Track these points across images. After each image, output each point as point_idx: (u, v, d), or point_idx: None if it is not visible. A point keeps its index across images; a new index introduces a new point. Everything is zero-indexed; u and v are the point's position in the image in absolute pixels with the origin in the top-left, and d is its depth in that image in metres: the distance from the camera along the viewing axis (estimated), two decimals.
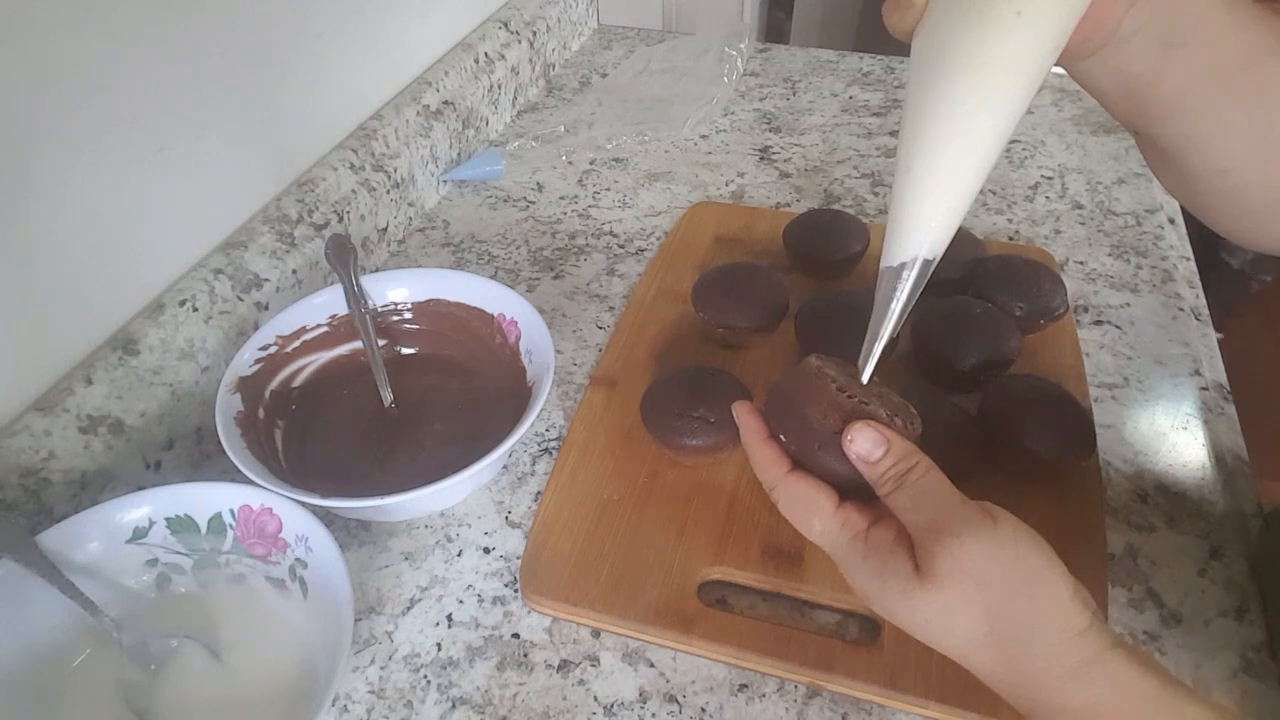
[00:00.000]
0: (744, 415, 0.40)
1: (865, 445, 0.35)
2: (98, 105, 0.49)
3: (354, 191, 0.70)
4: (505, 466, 0.58)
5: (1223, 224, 0.41)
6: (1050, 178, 0.83)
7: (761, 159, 0.88)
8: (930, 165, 0.33)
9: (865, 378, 0.38)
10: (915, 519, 0.34)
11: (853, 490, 0.37)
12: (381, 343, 0.60)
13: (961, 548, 0.32)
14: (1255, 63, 0.35)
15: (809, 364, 0.39)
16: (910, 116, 0.34)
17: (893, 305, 0.36)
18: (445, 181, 0.84)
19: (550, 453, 0.58)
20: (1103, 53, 0.35)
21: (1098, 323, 0.67)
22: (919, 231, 0.35)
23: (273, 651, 0.46)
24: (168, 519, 0.47)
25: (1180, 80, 0.35)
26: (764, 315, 0.62)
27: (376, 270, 0.73)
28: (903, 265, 0.35)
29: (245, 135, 0.61)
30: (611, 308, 0.70)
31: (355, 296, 0.58)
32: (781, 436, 0.38)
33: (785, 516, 0.38)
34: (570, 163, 0.88)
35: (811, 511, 0.37)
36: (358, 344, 0.60)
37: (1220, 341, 0.66)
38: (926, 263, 0.35)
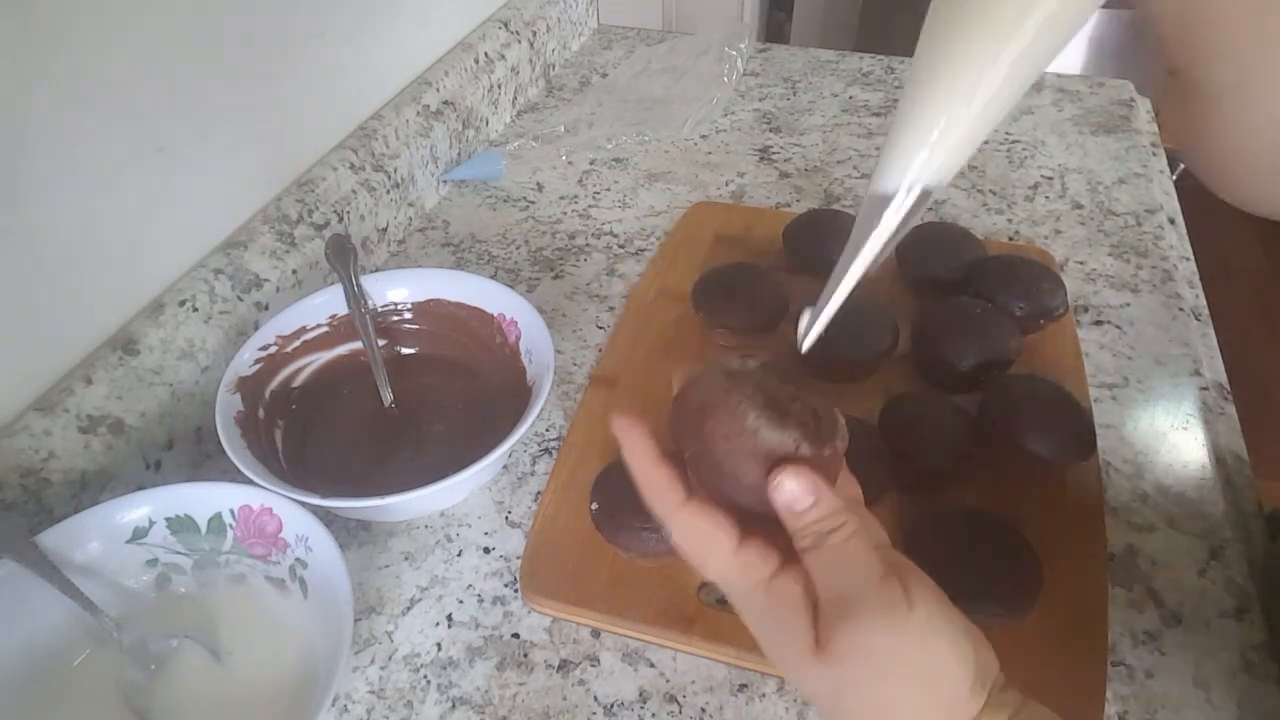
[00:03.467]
0: (628, 434, 0.34)
1: (791, 493, 0.31)
2: (98, 105, 0.49)
3: (354, 191, 0.70)
4: (505, 466, 0.58)
5: (1229, 185, 0.39)
6: (1050, 178, 0.83)
7: (761, 159, 0.88)
8: (962, 64, 0.27)
9: (821, 325, 0.33)
10: (827, 585, 0.31)
11: (758, 520, 0.33)
12: (381, 343, 0.60)
13: (867, 633, 0.29)
14: None
15: (716, 380, 0.33)
16: (943, 4, 0.28)
17: (872, 241, 0.30)
18: (445, 181, 0.84)
19: (550, 453, 0.58)
20: None
21: (1098, 323, 0.67)
22: (929, 149, 0.29)
23: (273, 651, 0.46)
24: (168, 519, 0.47)
25: (1251, 15, 0.31)
26: (764, 315, 0.62)
27: (376, 270, 0.73)
28: (898, 191, 0.30)
29: (245, 135, 0.61)
30: (611, 308, 0.70)
31: (355, 296, 0.58)
32: (686, 455, 0.34)
33: (680, 552, 0.34)
34: (570, 163, 0.88)
35: (707, 553, 0.33)
36: (358, 344, 0.60)
37: (1220, 341, 0.66)
38: (926, 193, 0.30)
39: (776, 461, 0.31)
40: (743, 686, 0.46)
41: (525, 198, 0.83)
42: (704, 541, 0.33)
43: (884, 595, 0.30)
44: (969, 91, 0.28)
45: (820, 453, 0.32)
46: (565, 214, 0.81)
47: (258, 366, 0.55)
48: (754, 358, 0.35)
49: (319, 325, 0.59)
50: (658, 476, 0.34)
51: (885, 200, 0.30)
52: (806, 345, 0.33)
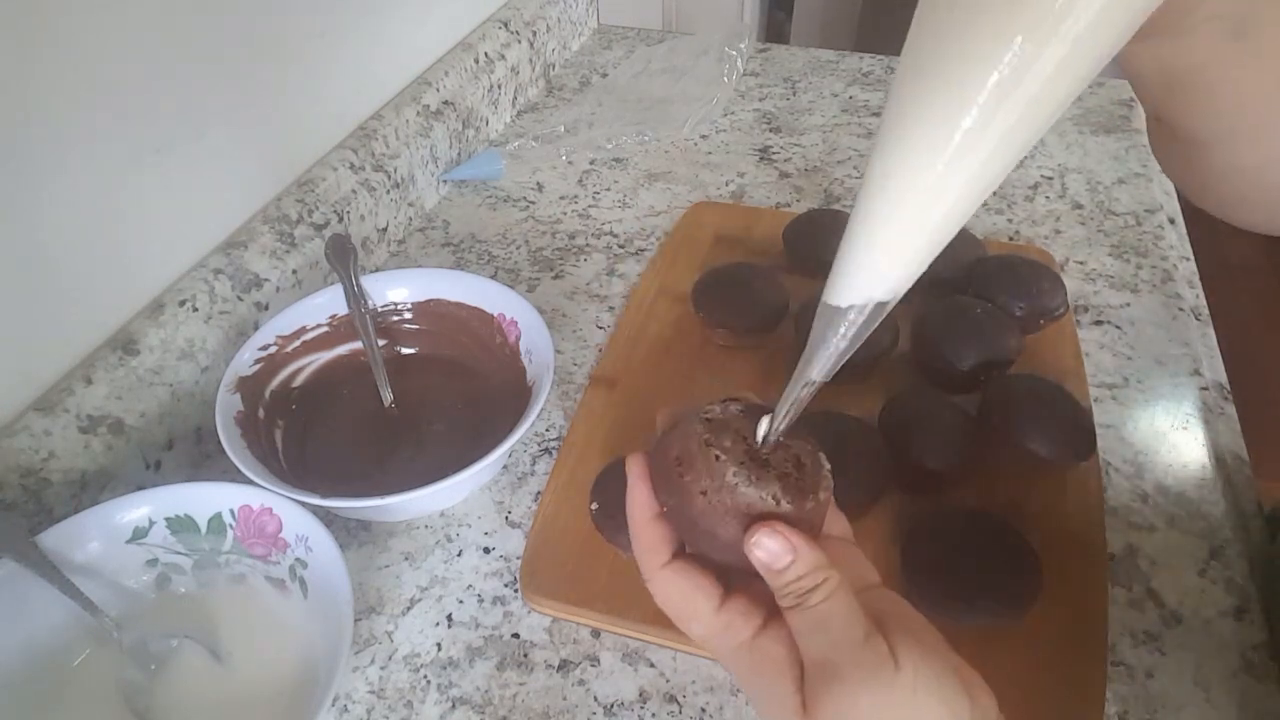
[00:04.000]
0: (633, 485, 0.34)
1: (769, 552, 0.30)
2: (98, 105, 0.49)
3: (354, 191, 0.70)
4: (505, 466, 0.58)
5: (1226, 213, 0.39)
6: (1050, 178, 0.83)
7: (761, 159, 0.88)
8: (921, 176, 0.25)
9: (779, 428, 0.32)
10: (809, 648, 0.30)
11: (740, 574, 0.32)
12: (381, 343, 0.60)
13: (852, 698, 0.29)
14: None
15: (695, 429, 0.32)
16: (900, 107, 0.25)
17: (827, 351, 0.30)
18: (445, 181, 0.84)
19: (550, 453, 0.58)
20: (1155, 39, 0.29)
21: (1098, 323, 0.67)
22: (883, 270, 0.28)
23: (273, 651, 0.46)
24: (168, 519, 0.47)
25: (1238, 74, 0.30)
26: (764, 315, 0.62)
27: (376, 270, 0.73)
28: (851, 307, 0.29)
29: (245, 135, 0.61)
30: (611, 308, 0.70)
31: (355, 296, 0.58)
32: (664, 509, 0.33)
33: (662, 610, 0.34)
34: (570, 163, 0.88)
35: (688, 616, 0.33)
36: (358, 344, 0.60)
37: (1220, 341, 0.66)
38: (882, 305, 0.29)
39: (755, 518, 0.31)
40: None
41: (525, 198, 0.83)
42: (684, 604, 0.33)
43: (868, 657, 0.29)
44: (923, 210, 0.26)
45: (802, 506, 0.31)
46: (565, 214, 0.81)
47: (258, 366, 0.55)
48: (738, 402, 0.34)
49: (319, 325, 0.59)
50: (647, 535, 0.33)
51: (840, 313, 0.29)
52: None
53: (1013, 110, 0.23)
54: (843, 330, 0.29)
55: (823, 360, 0.30)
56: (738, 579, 0.33)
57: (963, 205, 0.26)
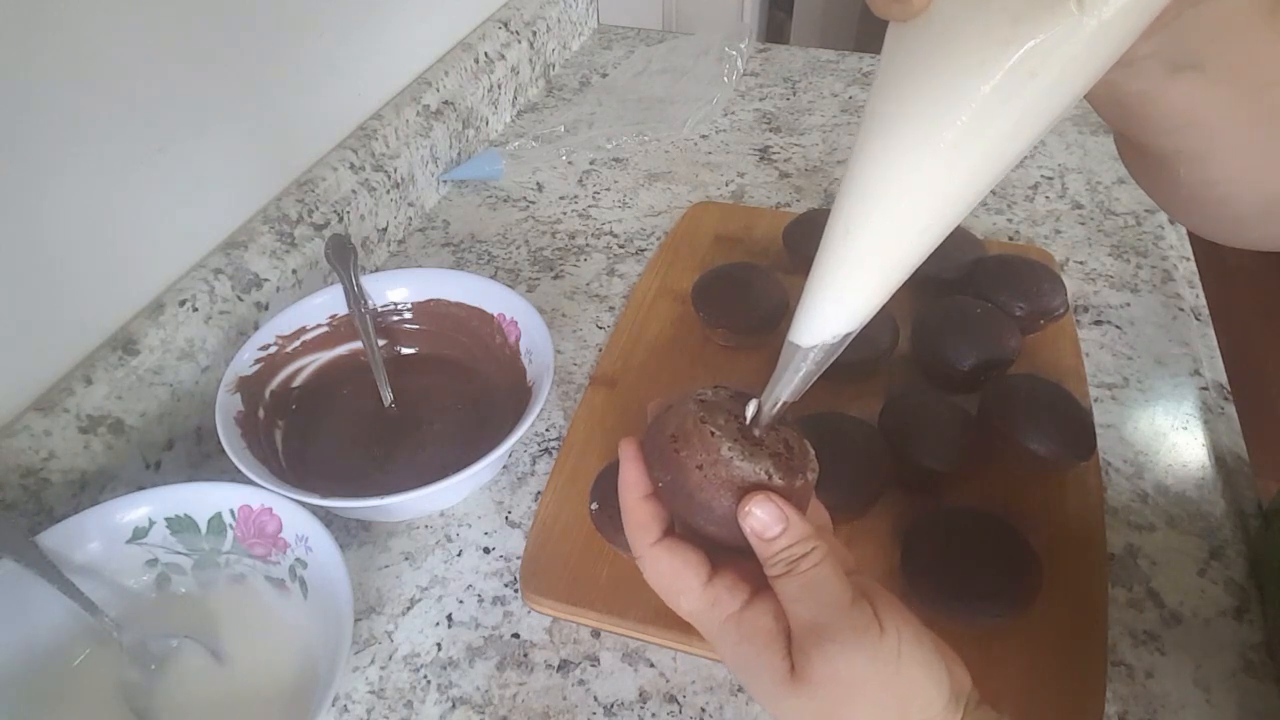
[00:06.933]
0: (626, 464, 0.35)
1: (761, 521, 0.31)
2: (98, 104, 0.49)
3: (354, 191, 0.70)
4: (505, 466, 0.58)
5: (1199, 225, 0.40)
6: (1050, 178, 0.83)
7: (761, 159, 0.88)
8: (882, 231, 0.28)
9: (769, 417, 0.34)
10: (799, 612, 0.31)
11: (729, 551, 0.33)
12: (381, 343, 0.60)
13: (841, 658, 0.30)
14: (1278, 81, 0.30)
15: (690, 409, 0.34)
16: (866, 162, 0.28)
17: (796, 382, 0.33)
18: (445, 181, 0.84)
19: (550, 453, 0.58)
20: None
21: (1098, 323, 0.67)
22: (850, 309, 0.31)
23: (273, 651, 0.46)
24: (168, 519, 0.47)
25: (1186, 100, 0.31)
26: (764, 315, 0.62)
27: (376, 270, 0.73)
28: (815, 347, 0.31)
29: (245, 135, 0.61)
30: (611, 308, 0.70)
31: (355, 296, 0.58)
32: (659, 485, 0.34)
33: (651, 588, 0.35)
34: (570, 163, 0.88)
35: (677, 591, 0.33)
36: (358, 344, 0.60)
37: (1220, 341, 0.66)
38: (847, 335, 0.31)
39: (748, 490, 0.32)
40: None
41: (525, 198, 0.83)
42: (673, 580, 0.33)
43: (856, 619, 0.30)
44: (884, 255, 0.29)
45: (791, 483, 0.32)
46: (565, 214, 0.81)
47: (258, 366, 0.55)
48: (726, 388, 0.36)
49: (319, 325, 0.59)
50: (639, 513, 0.34)
51: (805, 351, 0.32)
52: None
53: (966, 161, 0.26)
54: (810, 363, 0.32)
55: (791, 388, 0.33)
56: (725, 558, 0.34)
57: (925, 245, 0.29)
